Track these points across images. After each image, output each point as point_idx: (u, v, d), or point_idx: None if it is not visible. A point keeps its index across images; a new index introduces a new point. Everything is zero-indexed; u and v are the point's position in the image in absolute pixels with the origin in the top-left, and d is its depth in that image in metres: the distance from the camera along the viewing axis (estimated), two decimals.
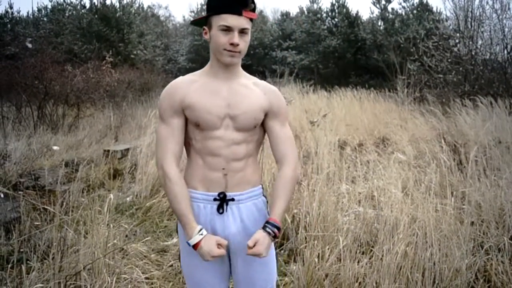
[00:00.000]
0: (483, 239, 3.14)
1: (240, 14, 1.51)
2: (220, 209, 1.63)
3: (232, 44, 1.52)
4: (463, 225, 3.00)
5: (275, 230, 1.54)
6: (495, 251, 2.93)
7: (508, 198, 3.51)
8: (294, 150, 1.70)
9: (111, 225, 2.95)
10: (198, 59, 20.82)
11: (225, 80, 1.63)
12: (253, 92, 1.65)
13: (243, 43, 1.55)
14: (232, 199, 1.63)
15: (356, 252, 2.87)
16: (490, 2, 10.40)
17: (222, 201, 1.62)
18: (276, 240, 1.60)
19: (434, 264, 2.66)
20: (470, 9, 10.88)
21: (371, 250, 2.97)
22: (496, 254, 2.91)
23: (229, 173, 1.62)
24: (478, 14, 10.79)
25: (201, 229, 1.55)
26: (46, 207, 3.10)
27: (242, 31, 1.54)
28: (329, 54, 18.84)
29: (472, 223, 3.20)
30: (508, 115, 7.13)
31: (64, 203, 3.23)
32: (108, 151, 6.01)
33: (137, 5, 19.30)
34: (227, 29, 1.52)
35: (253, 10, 1.56)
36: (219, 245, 1.54)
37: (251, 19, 1.56)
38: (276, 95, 1.69)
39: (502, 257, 2.89)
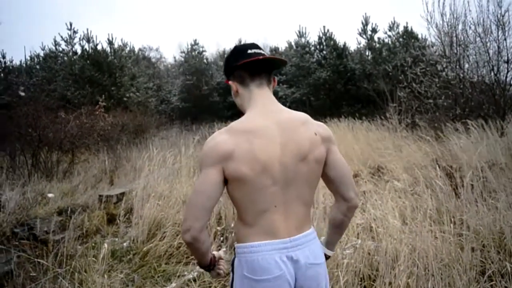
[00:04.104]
0: (485, 265, 3.09)
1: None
2: None
3: None
4: (463, 252, 2.97)
5: None
6: (498, 277, 2.89)
7: (507, 221, 3.48)
8: None
9: (105, 276, 2.89)
10: (191, 98, 21.04)
11: None
12: None
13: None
14: None
15: None
16: (473, 27, 10.57)
17: None
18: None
19: None
20: (454, 34, 11.08)
21: (373, 285, 2.92)
22: (500, 280, 2.87)
23: None
24: (462, 38, 10.99)
25: None
26: (39, 260, 3.04)
27: None
28: (319, 86, 19.08)
29: (473, 249, 3.16)
30: (499, 136, 7.18)
31: (59, 254, 3.17)
32: (103, 196, 5.96)
33: (128, 48, 19.69)
34: None
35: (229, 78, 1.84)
36: None
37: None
38: None
39: (506, 283, 2.85)
